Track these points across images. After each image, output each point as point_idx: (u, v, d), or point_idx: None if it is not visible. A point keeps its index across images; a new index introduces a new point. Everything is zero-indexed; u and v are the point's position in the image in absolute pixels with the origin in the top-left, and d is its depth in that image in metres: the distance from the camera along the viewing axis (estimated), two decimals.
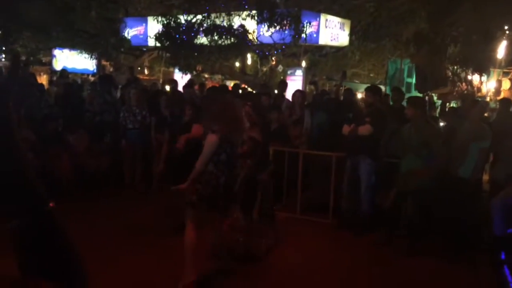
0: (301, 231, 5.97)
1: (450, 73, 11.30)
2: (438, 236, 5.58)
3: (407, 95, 9.02)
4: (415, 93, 12.02)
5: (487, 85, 13.12)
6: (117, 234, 5.44)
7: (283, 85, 9.56)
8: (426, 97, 9.45)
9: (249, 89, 12.90)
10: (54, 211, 0.87)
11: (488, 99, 12.13)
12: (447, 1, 9.52)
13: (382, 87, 17.28)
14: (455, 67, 11.18)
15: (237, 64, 16.19)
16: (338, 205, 6.25)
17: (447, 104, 10.76)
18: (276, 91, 9.59)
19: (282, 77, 14.84)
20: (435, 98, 12.56)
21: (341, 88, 10.24)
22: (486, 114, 7.69)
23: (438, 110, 10.56)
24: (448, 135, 5.96)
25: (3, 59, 16.24)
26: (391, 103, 7.92)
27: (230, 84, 18.24)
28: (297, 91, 8.42)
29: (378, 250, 5.41)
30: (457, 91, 12.20)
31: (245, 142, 4.83)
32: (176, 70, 14.47)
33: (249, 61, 16.22)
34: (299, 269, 4.80)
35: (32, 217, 0.88)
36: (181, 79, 12.81)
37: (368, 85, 7.36)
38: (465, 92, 11.43)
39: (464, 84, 11.43)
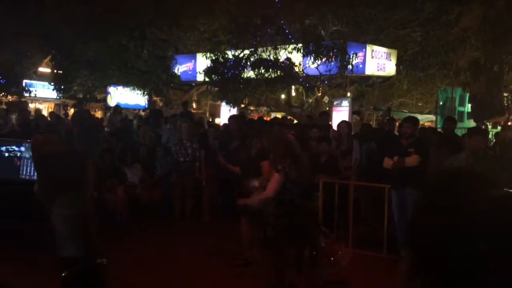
0: (354, 266, 5.79)
1: (506, 101, 10.90)
2: None
3: (459, 124, 8.78)
4: (467, 122, 11.65)
5: None
6: (162, 271, 5.48)
7: (325, 116, 9.56)
8: (483, 126, 9.15)
9: (295, 121, 12.96)
10: (103, 267, 0.88)
11: None
12: (504, 30, 9.30)
13: (433, 116, 16.92)
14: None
15: (283, 96, 16.37)
16: (392, 238, 6.05)
17: None
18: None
19: (328, 108, 14.84)
20: (489, 127, 12.11)
21: (385, 119, 10.19)
22: None
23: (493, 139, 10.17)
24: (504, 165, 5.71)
25: (62, 97, 17.26)
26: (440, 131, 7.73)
27: (276, 115, 18.38)
28: (343, 121, 8.37)
29: None
30: None
31: None
32: (223, 104, 14.83)
33: (293, 93, 16.36)
34: None
35: (81, 268, 0.91)
36: (229, 112, 13.09)
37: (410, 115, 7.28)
38: None
39: None
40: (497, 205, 0.59)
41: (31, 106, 17.79)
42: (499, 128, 11.20)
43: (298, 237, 4.10)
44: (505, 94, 11.06)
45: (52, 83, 16.13)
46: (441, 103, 13.40)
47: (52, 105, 20.77)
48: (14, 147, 1.02)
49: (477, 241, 0.57)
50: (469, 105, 11.98)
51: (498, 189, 0.60)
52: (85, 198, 0.86)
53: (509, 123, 10.51)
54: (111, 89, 16.74)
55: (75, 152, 0.85)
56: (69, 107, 18.60)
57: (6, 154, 1.01)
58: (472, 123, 10.35)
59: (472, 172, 0.68)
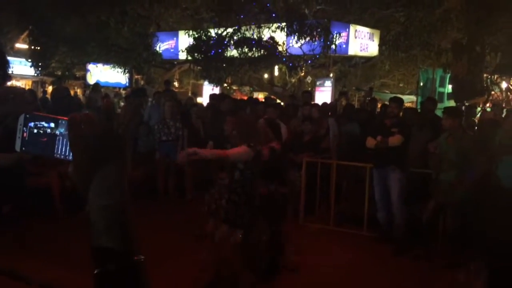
0: (335, 244, 5.91)
1: (485, 82, 11.07)
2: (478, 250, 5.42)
3: (439, 105, 8.90)
4: (448, 103, 11.81)
5: None
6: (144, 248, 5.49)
7: (307, 95, 9.58)
8: (463, 107, 9.28)
9: (278, 101, 12.95)
10: (141, 264, 0.84)
11: None
12: (487, 11, 9.38)
13: (413, 97, 17.09)
14: (493, 76, 10.95)
15: (266, 75, 16.30)
16: (373, 217, 6.17)
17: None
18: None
19: (310, 88, 14.86)
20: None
21: (367, 100, 10.28)
22: None
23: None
24: (483, 145, 5.84)
25: (39, 74, 16.84)
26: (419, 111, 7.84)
27: (258, 95, 18.31)
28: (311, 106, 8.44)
29: (416, 264, 5.30)
30: (492, 100, 11.94)
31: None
32: (206, 83, 14.70)
33: (276, 73, 16.30)
34: (332, 284, 4.74)
35: (115, 266, 0.86)
36: (212, 91, 12.99)
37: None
38: (501, 101, 11.17)
39: (500, 92, 11.16)
40: None
41: (8, 83, 17.31)
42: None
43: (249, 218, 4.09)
44: (485, 75, 11.23)
45: (30, 60, 15.71)
46: (421, 84, 13.54)
47: (30, 82, 20.27)
48: (48, 124, 0.97)
49: None
50: (449, 86, 12.13)
51: None
52: (123, 185, 0.80)
53: (488, 104, 10.71)
54: (90, 66, 16.37)
55: (114, 133, 0.80)
56: (47, 85, 18.19)
57: (40, 131, 0.96)
58: (452, 104, 10.49)
59: None
